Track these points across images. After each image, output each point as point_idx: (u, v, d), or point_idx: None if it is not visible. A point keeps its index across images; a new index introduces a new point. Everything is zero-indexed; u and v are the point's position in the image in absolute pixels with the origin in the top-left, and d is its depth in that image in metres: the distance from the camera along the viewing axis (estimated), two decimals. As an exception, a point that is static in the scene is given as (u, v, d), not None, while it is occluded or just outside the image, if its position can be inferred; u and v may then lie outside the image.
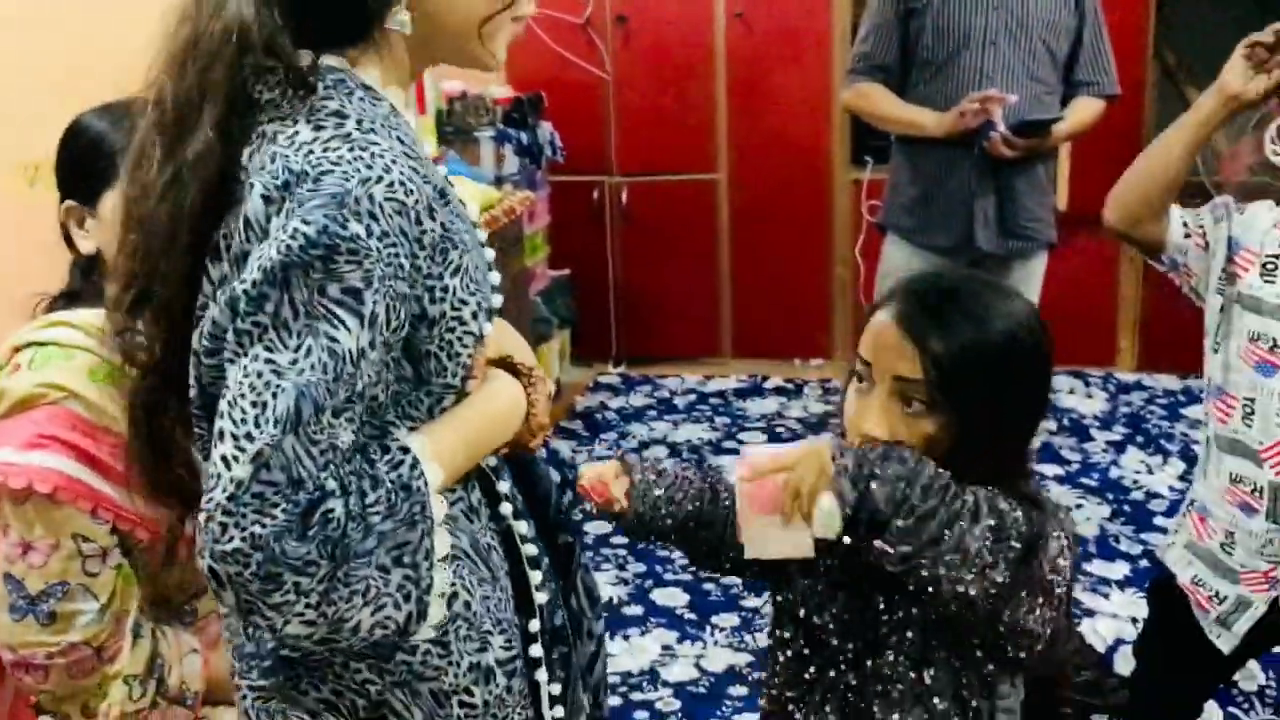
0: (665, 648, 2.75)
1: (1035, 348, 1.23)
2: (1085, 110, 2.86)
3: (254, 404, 0.87)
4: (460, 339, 1.01)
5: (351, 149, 0.93)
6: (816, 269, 4.63)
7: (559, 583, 1.19)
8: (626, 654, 2.71)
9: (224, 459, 0.86)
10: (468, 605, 1.04)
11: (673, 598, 2.95)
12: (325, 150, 0.93)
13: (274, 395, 0.87)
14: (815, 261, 4.62)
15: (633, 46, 4.45)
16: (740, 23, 4.44)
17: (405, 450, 0.96)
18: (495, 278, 1.09)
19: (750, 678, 2.61)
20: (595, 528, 3.33)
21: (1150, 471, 3.60)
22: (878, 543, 1.11)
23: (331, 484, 0.89)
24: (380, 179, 0.92)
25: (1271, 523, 1.65)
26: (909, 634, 1.24)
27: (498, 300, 1.09)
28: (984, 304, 1.22)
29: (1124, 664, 2.48)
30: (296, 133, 0.94)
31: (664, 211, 4.65)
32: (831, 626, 1.29)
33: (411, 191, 0.94)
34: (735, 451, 3.89)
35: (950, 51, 2.81)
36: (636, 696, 2.56)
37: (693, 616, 2.87)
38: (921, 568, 1.11)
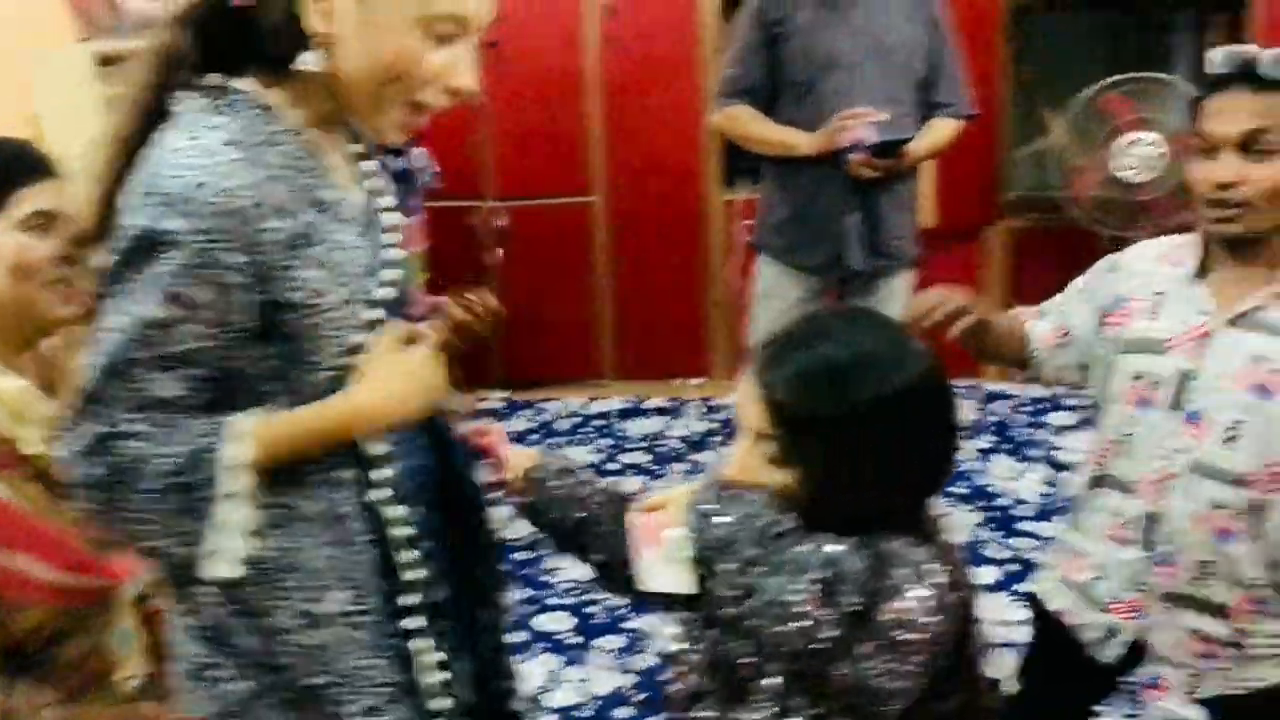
0: (550, 673, 2.74)
1: (892, 396, 1.15)
2: (941, 131, 2.95)
3: (90, 355, 1.13)
4: (326, 322, 1.17)
5: (201, 157, 1.10)
6: (694, 289, 4.68)
7: (451, 562, 1.34)
8: (511, 681, 2.70)
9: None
10: (302, 560, 1.20)
11: (557, 621, 2.95)
12: (181, 157, 1.10)
13: (96, 351, 1.12)
14: (693, 282, 4.68)
15: (505, 71, 4.45)
16: (611, 46, 4.48)
17: (218, 424, 1.14)
18: (387, 274, 1.24)
19: (634, 700, 2.62)
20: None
21: (1016, 478, 3.72)
22: (708, 583, 1.12)
23: (135, 426, 1.11)
24: (207, 185, 1.09)
25: (1144, 552, 1.68)
26: (765, 683, 1.21)
27: (380, 292, 1.22)
28: (833, 360, 1.18)
29: (994, 668, 2.55)
30: (175, 139, 1.12)
31: (542, 235, 4.65)
32: (702, 668, 1.27)
33: (244, 197, 1.10)
34: (619, 473, 3.91)
35: (815, 74, 2.87)
36: (522, 724, 2.55)
37: (577, 640, 2.87)
38: (745, 615, 1.11)
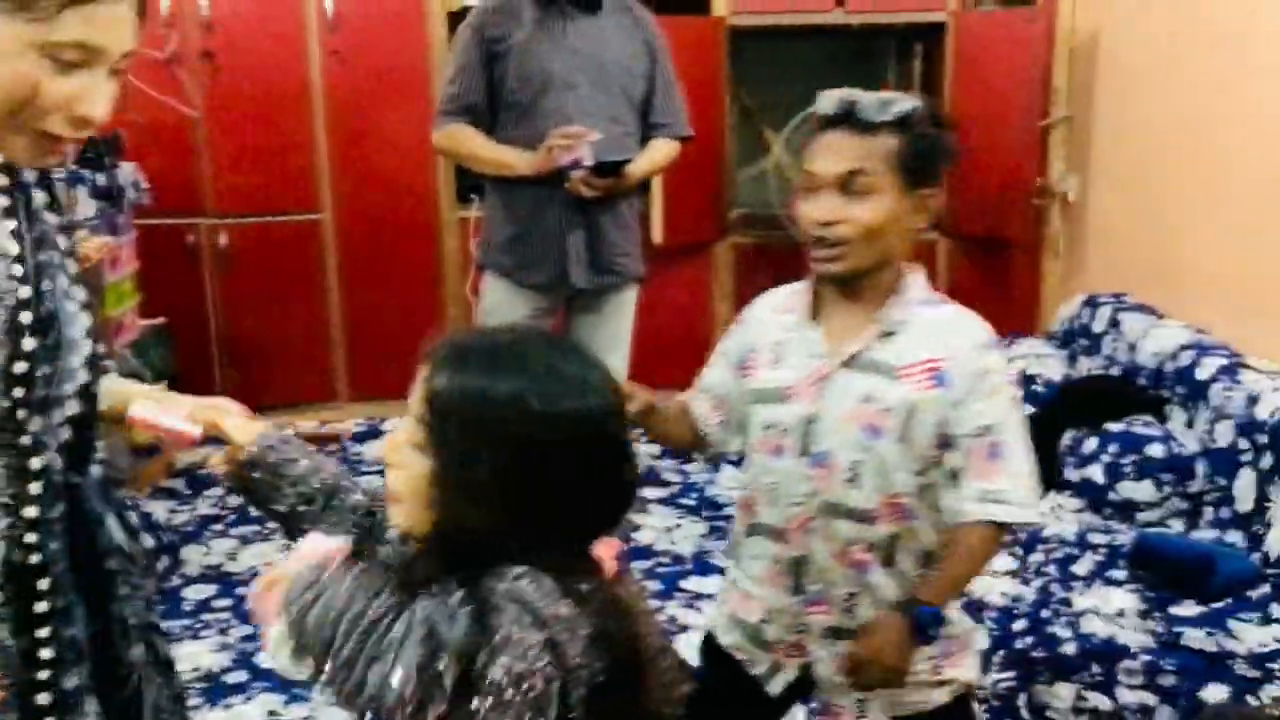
0: (271, 713, 2.61)
1: (545, 415, 1.12)
2: (660, 151, 3.03)
3: None
4: None
5: None
6: (429, 307, 4.60)
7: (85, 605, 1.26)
8: (230, 724, 2.56)
9: None
10: None
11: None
12: None
13: None
14: (427, 300, 4.60)
15: (223, 83, 4.25)
16: (337, 60, 4.36)
17: None
18: (21, 292, 1.18)
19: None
20: (194, 592, 3.14)
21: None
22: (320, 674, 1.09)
23: None
24: None
25: (797, 596, 1.71)
26: None
27: (24, 316, 1.18)
28: (500, 361, 1.16)
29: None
30: None
31: (267, 253, 4.47)
32: None
33: None
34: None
35: (534, 93, 2.89)
36: (242, 769, 2.42)
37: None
38: (358, 709, 1.07)
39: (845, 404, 1.65)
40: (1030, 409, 3.42)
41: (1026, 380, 3.49)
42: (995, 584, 2.65)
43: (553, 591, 1.10)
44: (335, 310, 4.60)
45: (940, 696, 1.73)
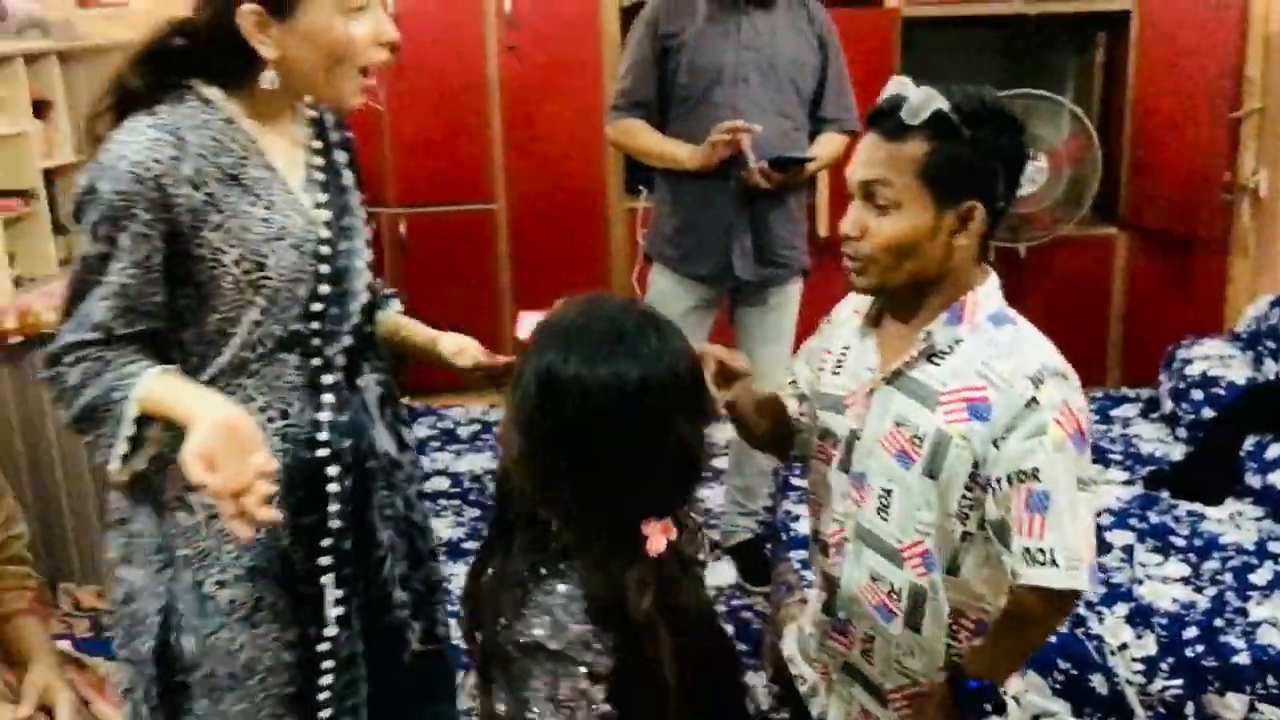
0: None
1: (600, 395, 1.18)
2: (831, 145, 3.03)
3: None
4: (223, 276, 1.45)
5: (132, 136, 1.41)
6: (596, 297, 4.70)
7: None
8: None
9: None
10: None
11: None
12: (121, 134, 1.42)
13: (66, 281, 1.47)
14: (594, 288, 4.69)
15: (406, 78, 4.44)
16: (513, 55, 4.50)
17: (142, 373, 1.41)
18: (280, 245, 1.48)
19: None
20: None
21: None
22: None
23: (71, 355, 1.42)
24: (127, 158, 1.39)
25: (829, 617, 1.63)
26: None
27: (272, 257, 1.47)
28: (573, 337, 1.22)
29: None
30: (124, 125, 1.43)
31: (443, 242, 4.65)
32: None
33: (154, 170, 1.39)
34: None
35: (704, 88, 2.93)
36: None
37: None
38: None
39: (884, 424, 1.51)
40: (1211, 412, 3.30)
41: (1208, 382, 3.37)
42: (1166, 590, 2.59)
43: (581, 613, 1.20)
44: (506, 297, 4.75)
45: None
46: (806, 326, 3.39)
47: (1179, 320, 4.25)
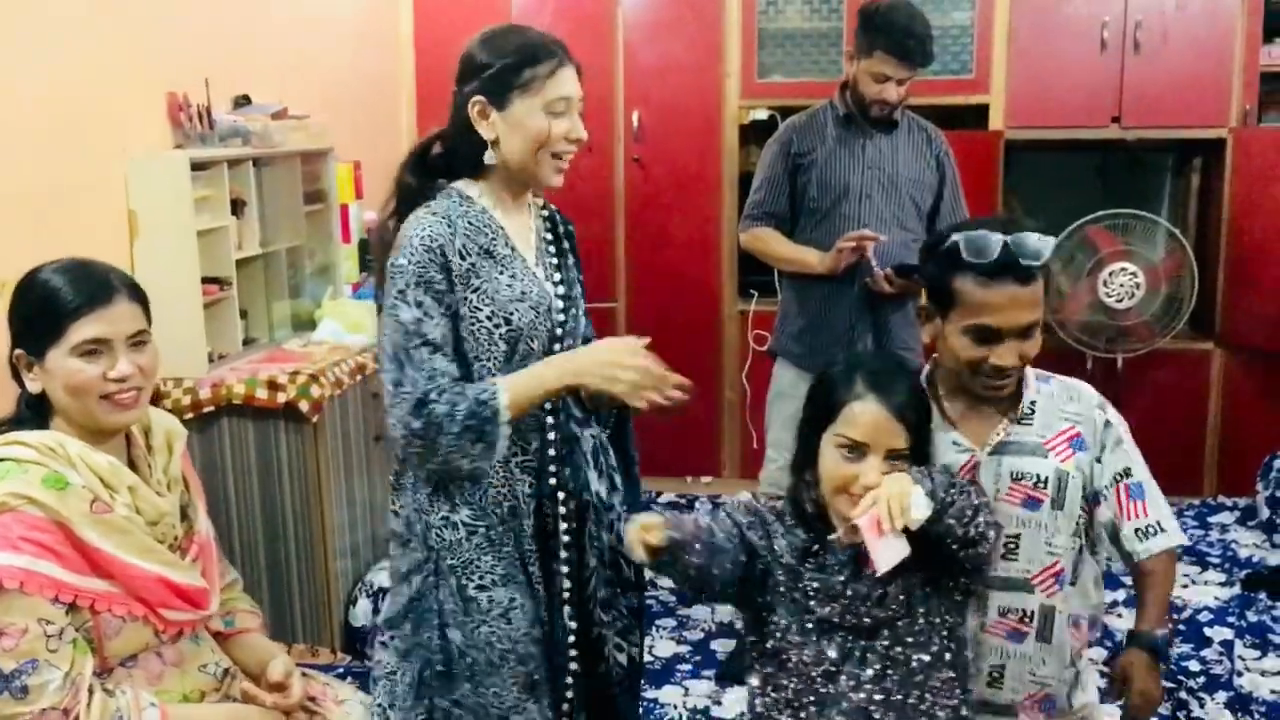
0: None
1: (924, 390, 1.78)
2: (946, 256, 3.30)
3: (382, 354, 1.85)
4: (480, 327, 1.86)
5: (417, 223, 1.85)
6: (707, 393, 4.97)
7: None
8: None
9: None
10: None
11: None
12: (409, 225, 1.86)
13: (384, 351, 1.84)
14: (706, 385, 4.97)
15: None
16: (638, 166, 4.86)
17: (494, 384, 1.80)
18: (520, 305, 1.88)
19: None
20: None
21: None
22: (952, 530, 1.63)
23: (433, 393, 1.77)
24: (420, 235, 1.83)
25: (1041, 641, 1.86)
26: (918, 592, 1.70)
27: (515, 315, 1.88)
28: (909, 377, 1.76)
29: None
30: (412, 216, 1.89)
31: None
32: (851, 612, 1.70)
33: (438, 241, 1.83)
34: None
35: (832, 202, 3.23)
36: None
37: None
38: (974, 543, 1.64)
39: (1001, 485, 1.84)
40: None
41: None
42: (1265, 682, 2.71)
43: None
44: (621, 390, 5.00)
45: None
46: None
47: (1274, 432, 4.38)
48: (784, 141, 3.30)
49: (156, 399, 3.05)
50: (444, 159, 1.97)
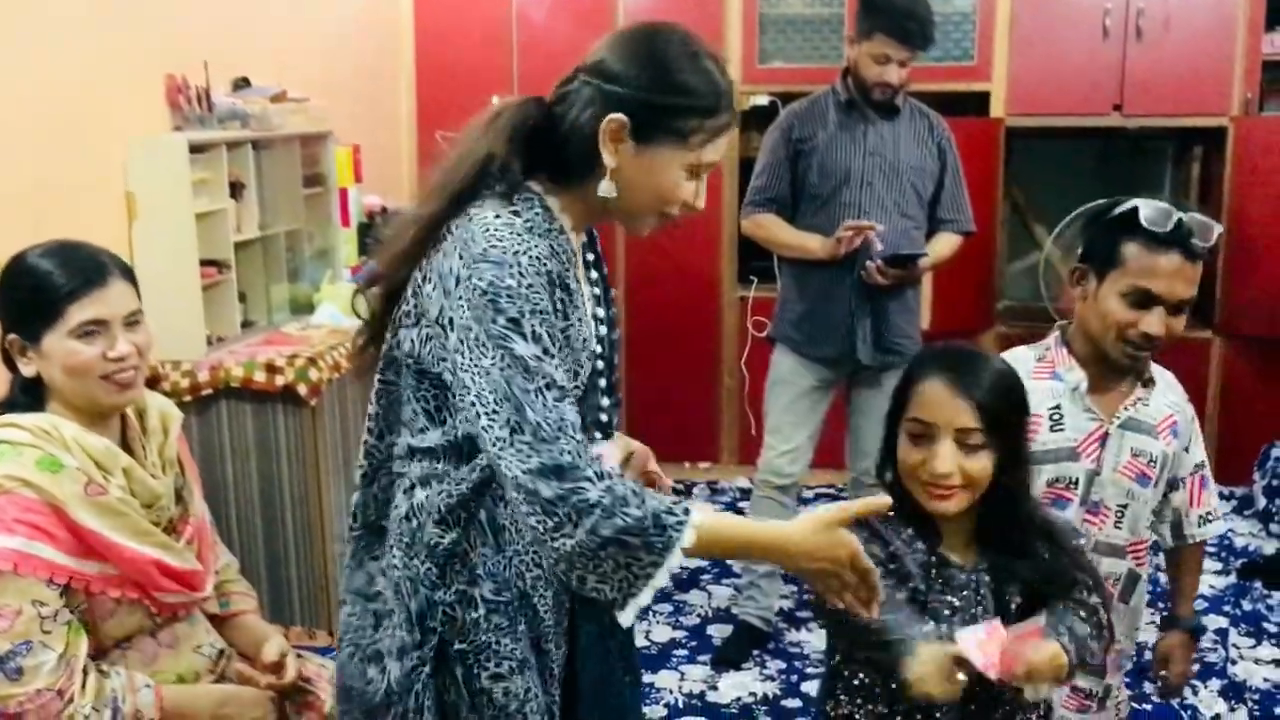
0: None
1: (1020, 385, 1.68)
2: (945, 244, 3.30)
3: (488, 397, 1.38)
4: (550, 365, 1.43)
5: (514, 234, 1.43)
6: (707, 379, 4.98)
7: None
8: None
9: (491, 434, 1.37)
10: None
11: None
12: (499, 232, 1.42)
13: (496, 393, 1.37)
14: (705, 371, 4.98)
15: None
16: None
17: (686, 510, 1.35)
18: (583, 355, 1.54)
19: None
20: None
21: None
22: None
23: (584, 467, 1.33)
24: (528, 253, 1.42)
25: (1121, 603, 2.03)
26: None
27: (583, 369, 1.54)
28: (990, 364, 1.66)
29: None
30: (484, 216, 1.45)
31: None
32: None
33: (546, 265, 1.43)
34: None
35: (833, 188, 3.23)
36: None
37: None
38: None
39: (1122, 458, 1.95)
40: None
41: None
42: (1259, 670, 2.72)
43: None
44: (624, 380, 5.00)
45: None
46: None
47: (1271, 422, 4.38)
48: (785, 128, 3.29)
49: (155, 382, 3.06)
50: (530, 144, 1.52)
